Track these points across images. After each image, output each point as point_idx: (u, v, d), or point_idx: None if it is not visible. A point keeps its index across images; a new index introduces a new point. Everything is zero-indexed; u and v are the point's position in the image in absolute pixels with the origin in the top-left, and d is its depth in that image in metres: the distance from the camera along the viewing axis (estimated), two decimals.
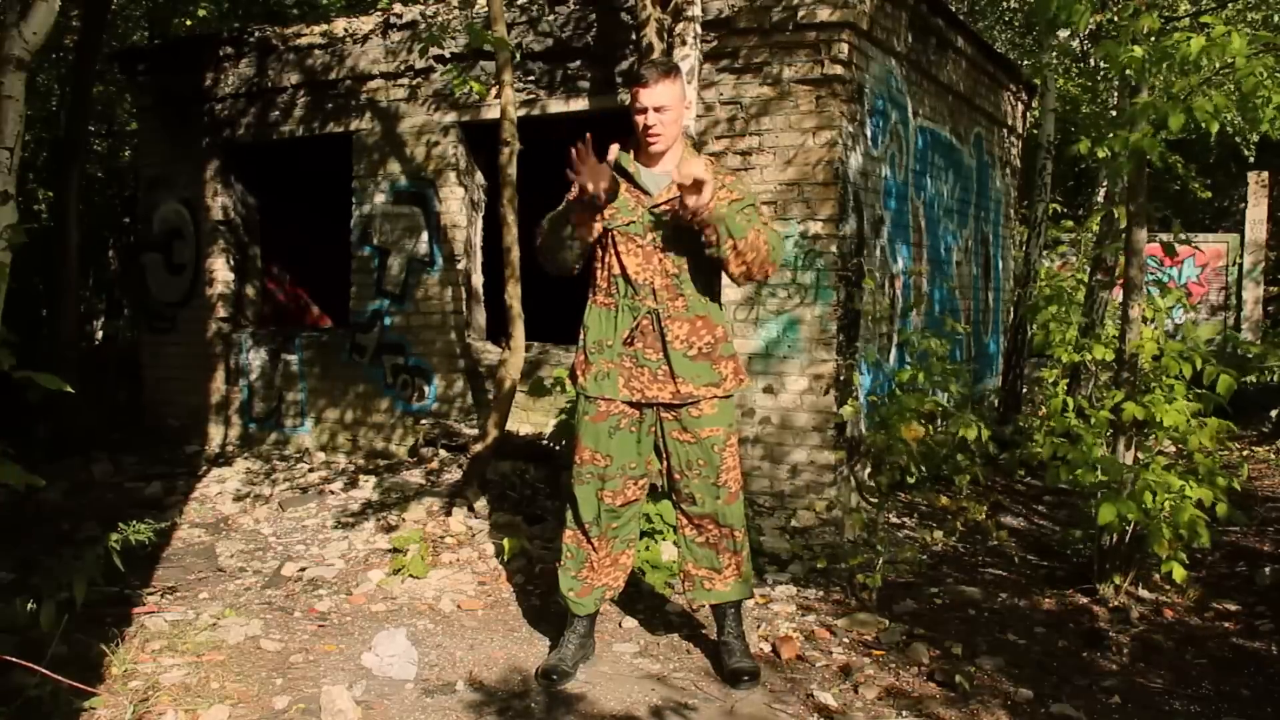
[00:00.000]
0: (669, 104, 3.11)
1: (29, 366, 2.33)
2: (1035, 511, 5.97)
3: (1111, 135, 3.97)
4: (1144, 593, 4.29)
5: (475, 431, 6.15)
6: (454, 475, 5.95)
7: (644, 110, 3.11)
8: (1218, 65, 3.84)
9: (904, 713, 3.10)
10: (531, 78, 6.13)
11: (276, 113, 7.26)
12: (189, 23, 10.93)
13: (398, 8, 6.71)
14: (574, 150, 2.96)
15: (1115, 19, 4.07)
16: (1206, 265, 14.67)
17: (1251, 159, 12.64)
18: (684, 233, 3.12)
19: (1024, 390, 7.98)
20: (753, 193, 3.31)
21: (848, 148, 5.31)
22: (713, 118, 5.50)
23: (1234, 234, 14.64)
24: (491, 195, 6.39)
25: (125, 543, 3.35)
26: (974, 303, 7.79)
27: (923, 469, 5.75)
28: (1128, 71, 3.96)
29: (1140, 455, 4.30)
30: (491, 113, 6.04)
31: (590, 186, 2.94)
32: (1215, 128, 3.75)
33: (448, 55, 6.23)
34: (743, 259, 3.06)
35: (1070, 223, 8.43)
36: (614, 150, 3.19)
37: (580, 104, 6.01)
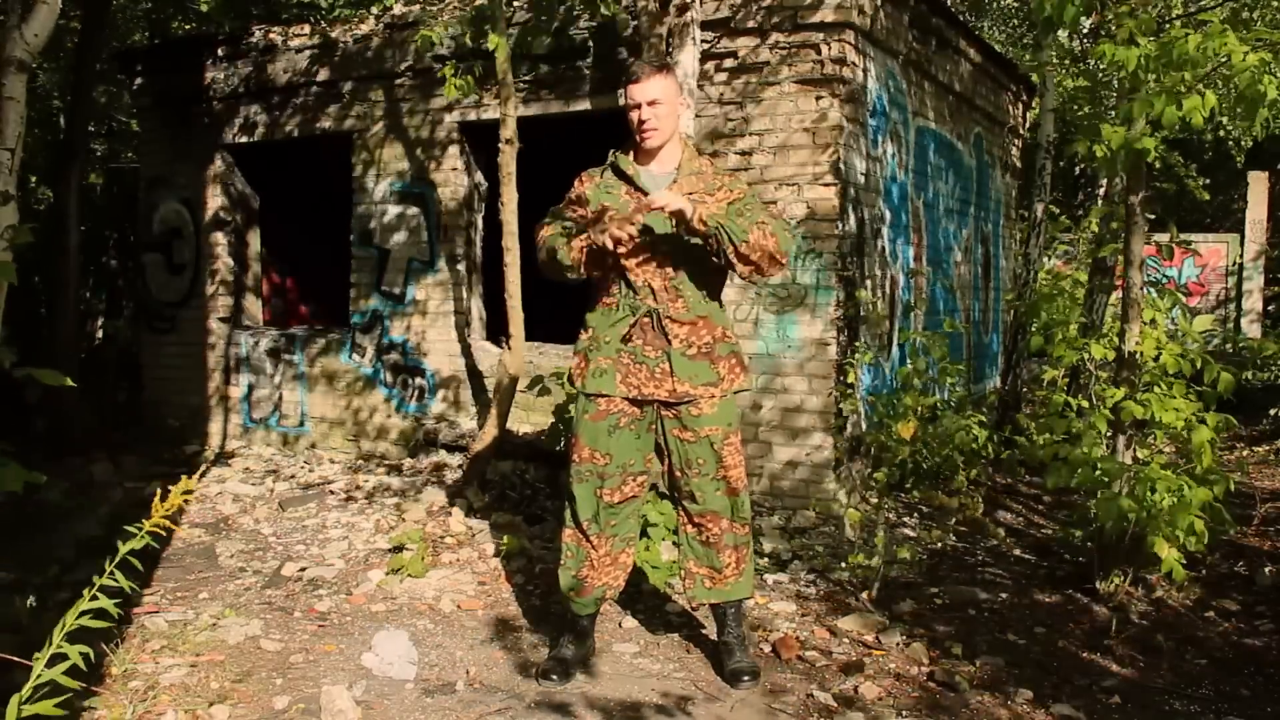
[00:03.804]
0: (661, 98, 3.11)
1: (28, 366, 2.33)
2: (1035, 511, 5.97)
3: (1111, 131, 3.96)
4: (1144, 592, 4.29)
5: (475, 431, 6.15)
6: (454, 475, 5.95)
7: (637, 105, 3.12)
8: (1213, 63, 3.83)
9: (904, 713, 3.10)
10: (531, 77, 6.13)
11: (276, 112, 7.26)
12: (189, 25, 10.93)
13: (398, 8, 6.71)
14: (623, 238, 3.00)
15: (1113, 17, 4.05)
16: (1206, 265, 14.67)
17: (1240, 163, 12.62)
18: (683, 235, 3.13)
19: (1024, 390, 7.98)
20: (752, 190, 3.30)
21: (848, 147, 5.31)
22: (712, 117, 5.50)
23: (1234, 234, 14.63)
24: (491, 195, 6.39)
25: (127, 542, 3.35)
26: (974, 302, 7.79)
27: (922, 467, 5.75)
28: (1121, 74, 3.95)
29: (1140, 454, 4.30)
30: (491, 112, 6.04)
31: (612, 245, 3.01)
32: (1200, 121, 3.73)
33: (447, 54, 6.23)
34: (748, 260, 3.06)
35: (1066, 220, 8.42)
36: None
37: (580, 103, 6.01)
